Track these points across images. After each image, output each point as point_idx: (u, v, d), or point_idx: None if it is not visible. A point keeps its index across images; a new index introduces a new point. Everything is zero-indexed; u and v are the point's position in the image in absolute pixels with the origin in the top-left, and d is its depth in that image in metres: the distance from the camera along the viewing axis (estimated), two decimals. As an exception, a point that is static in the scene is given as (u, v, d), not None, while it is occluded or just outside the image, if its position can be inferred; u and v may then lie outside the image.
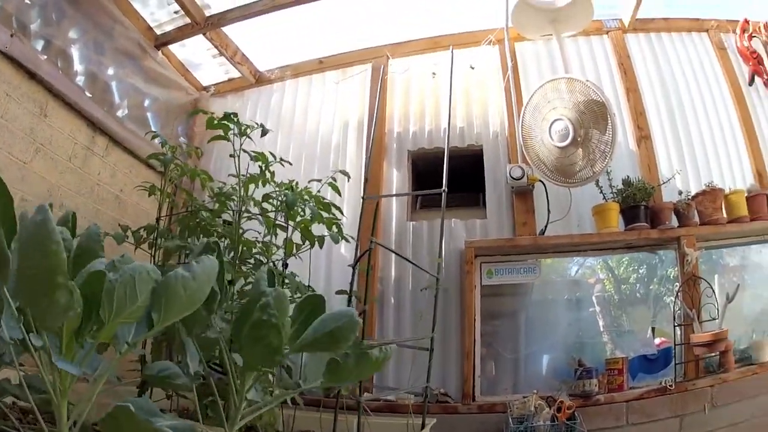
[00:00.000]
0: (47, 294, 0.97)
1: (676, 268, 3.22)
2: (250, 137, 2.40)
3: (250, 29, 3.89)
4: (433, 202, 3.52)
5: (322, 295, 1.45)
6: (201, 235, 2.62)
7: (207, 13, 3.73)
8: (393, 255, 3.42)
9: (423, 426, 2.49)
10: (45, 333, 1.06)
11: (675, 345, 2.97)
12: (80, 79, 3.31)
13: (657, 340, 3.20)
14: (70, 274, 1.01)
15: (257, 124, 2.40)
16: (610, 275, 3.75)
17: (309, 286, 2.66)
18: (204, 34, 3.79)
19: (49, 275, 0.96)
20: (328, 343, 1.32)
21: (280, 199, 2.47)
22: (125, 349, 1.17)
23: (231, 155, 2.38)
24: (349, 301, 2.64)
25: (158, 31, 3.92)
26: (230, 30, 3.91)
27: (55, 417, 1.08)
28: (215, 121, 2.36)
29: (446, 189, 2.77)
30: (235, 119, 2.33)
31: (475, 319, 3.19)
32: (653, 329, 3.31)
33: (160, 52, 3.94)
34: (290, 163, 2.70)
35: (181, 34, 3.84)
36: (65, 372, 1.05)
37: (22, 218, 1.02)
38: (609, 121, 3.01)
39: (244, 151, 2.37)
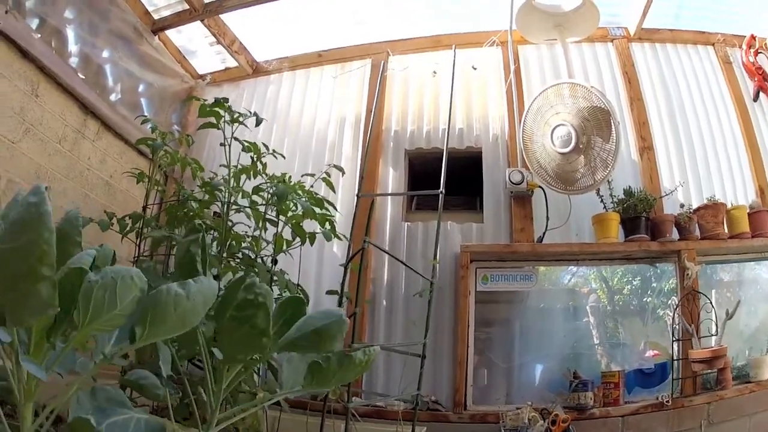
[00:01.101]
0: (29, 283, 0.89)
1: (671, 281, 3.18)
2: (245, 124, 2.30)
3: (249, 18, 3.81)
4: (429, 203, 3.45)
5: (301, 297, 1.36)
6: (187, 227, 2.53)
7: (206, 0, 3.64)
8: (386, 256, 3.33)
9: (413, 433, 2.40)
10: (15, 328, 0.96)
11: (673, 360, 2.92)
12: (74, 60, 3.22)
13: (650, 352, 3.17)
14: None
15: (249, 112, 2.30)
16: (604, 285, 3.69)
17: (298, 284, 2.57)
18: (202, 21, 3.70)
19: (35, 263, 0.88)
20: (314, 342, 1.25)
21: (270, 191, 2.37)
22: (100, 360, 1.08)
23: (221, 144, 2.28)
24: (340, 301, 2.56)
25: (156, 16, 3.82)
26: (229, 18, 3.82)
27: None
28: (207, 108, 2.26)
29: (443, 191, 2.69)
30: (227, 106, 2.23)
31: (468, 326, 3.10)
32: (646, 342, 3.27)
33: (156, 37, 3.85)
34: (283, 156, 2.61)
35: (178, 19, 3.75)
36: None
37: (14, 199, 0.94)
38: (613, 129, 2.95)
39: (236, 139, 2.27)
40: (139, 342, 1.03)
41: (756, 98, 3.74)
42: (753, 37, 3.81)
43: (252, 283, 1.12)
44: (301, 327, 1.26)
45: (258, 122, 2.31)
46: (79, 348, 1.09)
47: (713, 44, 3.94)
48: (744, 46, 3.82)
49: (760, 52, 3.80)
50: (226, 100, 2.25)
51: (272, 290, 2.46)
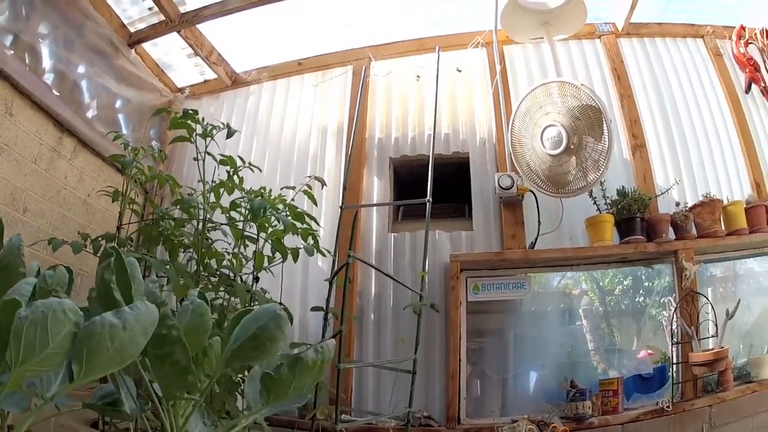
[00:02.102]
0: None
1: (664, 279, 3.13)
2: (215, 140, 2.20)
3: (226, 28, 3.72)
4: (416, 212, 3.34)
5: (249, 309, 1.24)
6: (164, 246, 2.44)
7: (182, 10, 3.57)
8: (373, 268, 3.23)
9: (405, 452, 2.31)
10: None
11: (672, 364, 2.83)
12: (48, 77, 3.15)
13: (643, 352, 3.13)
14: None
15: (223, 124, 2.20)
16: (594, 286, 3.61)
17: (280, 302, 2.46)
18: (179, 32, 3.62)
19: None
20: (253, 349, 1.13)
21: (247, 207, 2.28)
22: (41, 404, 0.99)
23: (195, 158, 2.19)
24: (325, 318, 2.47)
25: (132, 29, 3.74)
26: (206, 28, 3.73)
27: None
28: (179, 120, 2.16)
29: (431, 199, 2.59)
30: (198, 117, 2.13)
31: (460, 338, 3.00)
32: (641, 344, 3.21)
33: (133, 51, 3.77)
34: (260, 169, 2.52)
35: (154, 31, 3.66)
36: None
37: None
38: (605, 128, 2.86)
39: (209, 153, 2.17)
40: (78, 380, 0.94)
41: (748, 90, 3.68)
42: (743, 28, 3.76)
43: (164, 316, 1.00)
44: (238, 336, 1.15)
45: (230, 134, 2.21)
46: (16, 389, 0.99)
47: (703, 36, 3.87)
48: (734, 37, 3.77)
49: (751, 43, 3.75)
50: (196, 112, 2.15)
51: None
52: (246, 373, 1.57)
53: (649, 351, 3.12)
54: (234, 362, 1.15)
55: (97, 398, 1.24)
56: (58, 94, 3.16)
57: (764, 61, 3.66)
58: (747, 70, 3.68)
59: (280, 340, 1.13)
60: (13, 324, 0.87)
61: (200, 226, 2.25)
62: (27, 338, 0.87)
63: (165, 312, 1.01)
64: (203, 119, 2.19)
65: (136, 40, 3.73)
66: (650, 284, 3.38)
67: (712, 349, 2.74)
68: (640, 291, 3.49)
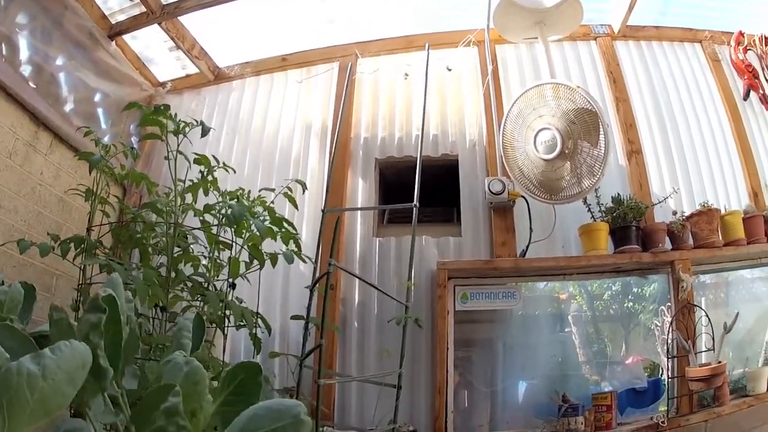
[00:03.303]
0: None
1: (653, 285, 3.11)
2: (188, 138, 2.06)
3: (209, 21, 3.58)
4: (402, 216, 3.24)
5: (255, 363, 1.05)
6: (134, 250, 2.30)
7: (164, 2, 3.43)
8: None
9: (389, 468, 2.18)
10: None
11: (668, 378, 2.77)
12: (25, 69, 3.01)
13: (631, 359, 3.09)
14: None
15: (196, 121, 2.06)
16: (582, 291, 3.53)
17: (257, 313, 2.33)
18: (160, 24, 3.48)
19: None
20: None
21: (223, 212, 2.14)
22: None
23: (166, 157, 2.05)
24: (306, 329, 2.33)
25: (113, 20, 3.60)
26: (188, 21, 3.59)
27: None
28: (149, 116, 2.03)
29: (417, 204, 2.47)
30: (169, 114, 1.99)
31: (447, 349, 2.88)
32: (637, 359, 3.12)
33: (113, 43, 3.63)
34: (234, 170, 2.38)
35: (136, 23, 3.52)
36: None
37: None
38: (601, 132, 2.75)
39: (181, 153, 2.03)
40: None
41: (746, 97, 3.62)
42: (741, 34, 3.71)
43: (174, 411, 0.83)
44: (245, 427, 0.92)
45: (204, 132, 2.07)
46: None
47: (701, 41, 3.81)
48: (732, 43, 3.71)
49: (749, 49, 3.70)
50: (168, 107, 2.01)
51: (228, 319, 2.25)
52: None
53: (638, 357, 3.08)
54: None
55: None
56: (35, 86, 3.03)
57: (763, 68, 3.62)
58: (745, 77, 3.63)
59: None
60: None
61: (172, 231, 2.10)
62: None
63: (174, 407, 0.83)
64: (175, 115, 2.05)
65: (116, 31, 3.59)
66: (640, 290, 3.33)
67: (709, 363, 2.66)
68: (629, 296, 3.43)
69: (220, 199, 2.23)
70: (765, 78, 3.59)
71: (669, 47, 3.81)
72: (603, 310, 3.54)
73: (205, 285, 2.19)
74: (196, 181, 2.33)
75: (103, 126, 3.62)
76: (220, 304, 2.09)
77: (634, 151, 3.36)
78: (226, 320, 2.17)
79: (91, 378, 0.90)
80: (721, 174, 3.42)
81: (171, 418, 0.84)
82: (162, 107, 1.97)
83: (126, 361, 1.07)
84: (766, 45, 3.67)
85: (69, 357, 0.80)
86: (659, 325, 2.92)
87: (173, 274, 2.12)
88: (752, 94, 3.60)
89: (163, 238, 2.26)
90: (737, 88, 3.64)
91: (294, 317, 2.45)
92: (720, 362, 2.63)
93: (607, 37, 3.76)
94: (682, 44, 3.82)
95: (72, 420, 1.16)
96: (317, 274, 2.57)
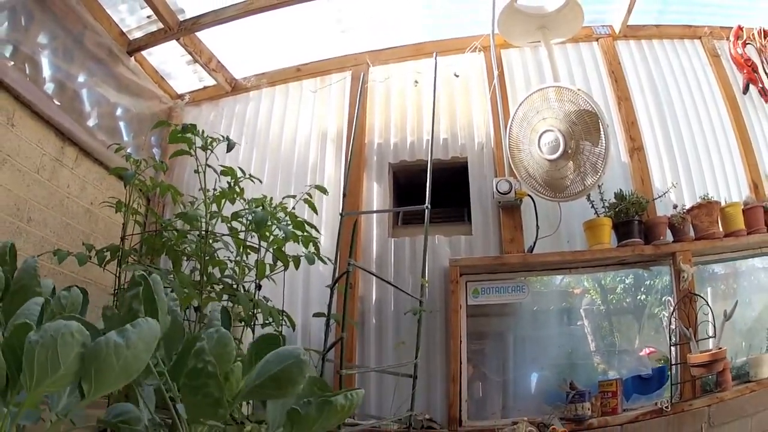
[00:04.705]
0: None
1: (665, 278, 3.15)
2: (215, 153, 2.23)
3: (225, 35, 3.73)
4: (415, 217, 3.38)
5: (275, 334, 1.29)
6: (168, 256, 2.48)
7: (181, 18, 3.57)
8: (374, 273, 3.26)
9: (407, 454, 2.34)
10: None
11: (671, 365, 2.87)
12: (49, 87, 3.16)
13: (645, 350, 3.14)
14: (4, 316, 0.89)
15: (222, 137, 2.23)
16: (596, 285, 3.63)
17: (282, 310, 2.50)
18: (177, 40, 3.63)
19: None
20: (273, 389, 1.18)
21: (249, 218, 2.31)
22: (56, 422, 1.03)
23: (196, 171, 2.22)
24: (327, 325, 2.50)
25: (131, 37, 3.75)
26: (205, 36, 3.75)
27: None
28: (178, 134, 2.20)
29: (429, 206, 2.62)
30: (198, 131, 2.16)
31: (461, 341, 3.03)
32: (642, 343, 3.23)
33: (132, 59, 3.77)
34: (260, 181, 2.56)
35: (154, 39, 3.67)
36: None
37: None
38: (602, 133, 2.88)
39: (209, 166, 2.20)
40: (89, 397, 0.99)
41: (746, 90, 3.69)
42: (740, 28, 3.76)
43: (201, 350, 1.05)
44: (260, 372, 1.20)
45: (230, 148, 2.24)
46: (32, 407, 1.03)
47: (700, 38, 3.88)
48: (731, 38, 3.77)
49: (749, 43, 3.76)
50: (194, 127, 2.18)
51: (256, 318, 2.42)
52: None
53: (651, 348, 3.14)
54: (254, 397, 1.21)
55: (111, 415, 1.29)
56: (59, 103, 3.17)
57: (762, 62, 3.68)
58: (745, 71, 3.69)
59: (300, 384, 1.18)
60: (25, 348, 0.91)
61: (203, 239, 2.27)
62: (39, 362, 0.91)
63: (201, 347, 1.06)
64: (203, 132, 2.22)
65: (135, 48, 3.74)
66: (652, 282, 3.40)
67: (710, 350, 2.76)
68: (642, 289, 3.50)
69: (246, 207, 2.39)
70: (764, 71, 3.66)
71: (669, 45, 3.90)
72: (616, 303, 3.63)
73: (234, 286, 2.36)
74: (219, 190, 2.49)
75: (126, 138, 3.78)
76: (250, 303, 2.26)
77: (636, 148, 3.47)
78: (254, 319, 2.33)
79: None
80: (722, 167, 3.51)
81: (199, 357, 1.08)
82: (190, 125, 2.13)
83: (170, 344, 1.27)
84: (765, 38, 3.73)
85: (146, 330, 1.01)
86: (666, 315, 3.01)
87: (205, 278, 2.29)
88: (751, 87, 3.66)
89: (193, 245, 2.44)
90: (737, 82, 3.72)
91: (316, 314, 2.61)
92: (720, 348, 2.73)
93: (609, 37, 3.85)
94: (682, 41, 3.90)
95: (122, 405, 1.36)
96: (336, 274, 2.72)
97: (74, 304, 1.32)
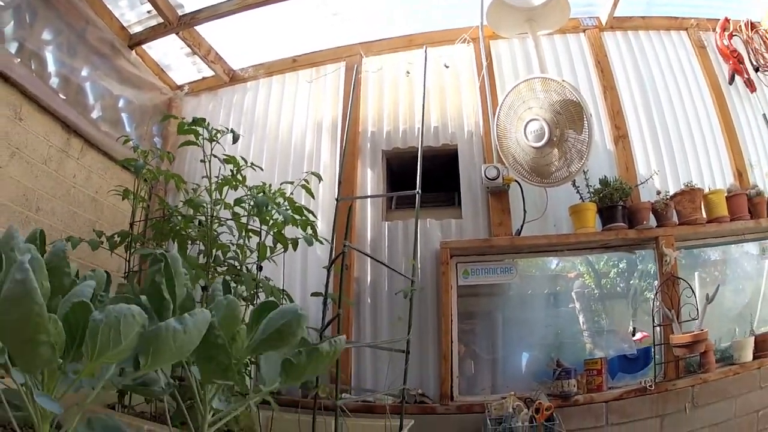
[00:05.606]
0: (30, 348, 1.00)
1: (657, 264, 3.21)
2: (220, 143, 2.36)
3: (223, 28, 3.82)
4: (408, 201, 3.49)
5: (273, 301, 1.45)
6: (174, 240, 2.60)
7: (180, 13, 3.67)
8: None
9: (401, 427, 2.48)
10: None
11: (654, 345, 2.98)
12: (54, 81, 3.25)
13: (638, 335, 3.21)
14: (45, 298, 1.02)
15: (227, 129, 2.36)
16: (590, 269, 3.74)
17: (283, 289, 2.64)
18: (177, 34, 3.74)
19: (33, 333, 0.98)
20: (277, 340, 1.37)
21: (251, 203, 2.44)
22: (99, 390, 1.16)
23: (201, 160, 2.35)
24: (325, 303, 2.62)
25: (131, 31, 3.85)
26: (203, 29, 3.85)
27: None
28: (185, 126, 2.32)
29: (420, 191, 2.74)
30: (205, 124, 2.29)
31: (452, 320, 3.17)
32: (634, 329, 3.31)
33: (133, 52, 3.87)
34: (261, 168, 2.67)
35: (154, 33, 3.78)
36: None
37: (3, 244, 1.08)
38: (585, 122, 2.99)
39: (215, 156, 2.33)
40: (143, 369, 1.15)
41: (731, 81, 3.77)
42: (727, 20, 3.84)
43: (212, 325, 1.23)
44: (265, 328, 1.38)
45: (235, 140, 2.38)
46: (89, 377, 1.18)
47: (686, 29, 3.97)
48: (718, 30, 3.85)
49: (735, 35, 3.84)
50: (203, 120, 2.31)
51: (258, 296, 2.55)
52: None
53: (645, 333, 3.22)
54: (260, 349, 1.39)
55: (130, 379, 1.42)
56: (64, 97, 3.27)
57: (748, 53, 3.78)
58: (731, 62, 3.77)
59: (299, 335, 1.37)
60: (89, 325, 1.05)
61: (209, 223, 2.40)
62: (102, 337, 1.05)
63: (213, 323, 1.23)
64: (208, 124, 2.35)
65: (136, 42, 3.84)
66: (646, 268, 3.48)
67: (693, 331, 2.86)
68: (635, 274, 3.60)
69: (248, 193, 2.52)
70: (750, 62, 3.76)
71: (656, 36, 3.99)
72: (610, 287, 3.74)
73: (238, 267, 2.49)
74: (222, 178, 2.61)
75: (128, 129, 3.88)
76: (252, 283, 2.39)
77: (620, 136, 3.57)
78: (257, 297, 2.47)
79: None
80: (707, 155, 3.61)
81: (211, 331, 1.24)
82: (199, 119, 2.27)
83: (183, 310, 1.42)
84: (751, 30, 3.81)
85: (200, 318, 1.20)
86: (652, 298, 3.11)
87: (210, 260, 2.43)
88: (737, 78, 3.75)
89: (198, 229, 2.57)
90: (722, 73, 3.80)
91: (314, 294, 2.74)
92: (702, 330, 2.83)
93: (596, 29, 3.94)
94: (668, 33, 3.99)
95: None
96: (332, 256, 2.85)
97: (100, 285, 1.45)
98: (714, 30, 3.89)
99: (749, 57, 3.78)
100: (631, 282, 3.63)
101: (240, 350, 1.37)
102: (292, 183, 2.72)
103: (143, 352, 1.11)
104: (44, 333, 0.98)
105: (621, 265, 3.71)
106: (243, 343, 1.37)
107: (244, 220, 2.53)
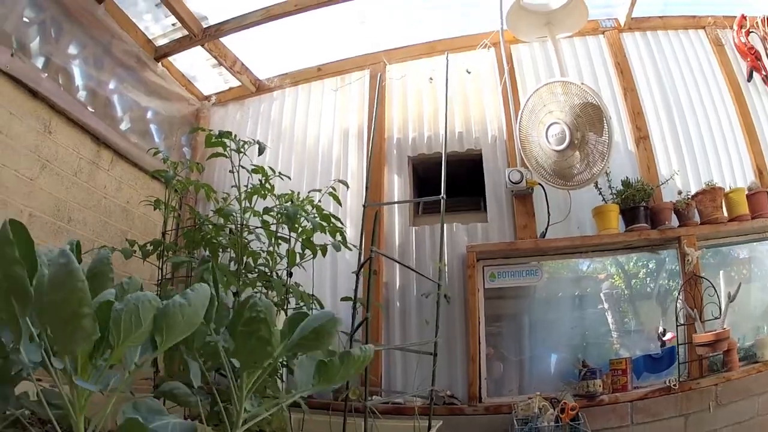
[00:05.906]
0: (75, 321, 1.09)
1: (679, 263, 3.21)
2: (246, 155, 2.44)
3: (248, 39, 3.91)
4: (434, 206, 3.47)
5: (305, 311, 1.52)
6: (205, 248, 2.68)
7: (204, 25, 3.75)
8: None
9: (429, 428, 2.52)
10: (64, 357, 1.16)
11: (678, 344, 2.99)
12: (82, 95, 3.34)
13: (669, 335, 3.20)
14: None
15: (253, 140, 2.44)
16: (620, 270, 3.74)
17: (312, 294, 2.70)
18: (202, 45, 3.82)
19: (77, 306, 1.08)
20: (313, 341, 1.44)
21: (280, 212, 2.51)
22: (133, 369, 1.26)
23: (230, 171, 2.42)
24: (354, 308, 2.68)
25: (157, 44, 3.93)
26: (228, 40, 3.94)
27: (72, 429, 1.17)
28: (213, 138, 2.41)
29: (445, 196, 2.80)
30: (232, 136, 2.37)
31: (479, 322, 3.22)
32: (664, 330, 3.29)
33: (160, 64, 3.96)
34: (289, 178, 2.76)
35: (179, 45, 3.86)
36: (81, 389, 1.15)
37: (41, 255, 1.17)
38: (605, 124, 3.01)
39: (242, 167, 2.41)
40: (160, 348, 1.25)
41: (750, 78, 3.75)
42: (744, 17, 3.83)
43: (254, 303, 1.33)
44: (302, 330, 1.45)
45: (260, 151, 2.46)
46: (115, 363, 1.27)
47: (704, 27, 3.95)
48: (735, 27, 3.84)
49: (752, 32, 3.81)
50: (229, 134, 2.39)
51: (288, 302, 2.62)
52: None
53: (674, 334, 3.19)
54: (297, 350, 1.47)
55: (166, 389, 1.56)
56: (93, 110, 3.35)
57: (766, 50, 3.73)
58: (748, 59, 3.75)
59: (333, 336, 1.45)
60: (112, 315, 1.15)
61: (239, 232, 2.48)
62: (125, 323, 1.16)
63: (254, 302, 1.34)
64: (236, 136, 2.43)
65: (161, 54, 3.93)
66: (672, 267, 3.47)
67: (715, 330, 2.86)
68: (663, 274, 3.60)
69: (277, 201, 2.59)
70: (768, 59, 3.73)
71: (674, 35, 3.98)
72: (640, 287, 3.73)
73: (268, 273, 2.56)
74: (251, 187, 2.69)
75: (157, 140, 3.98)
76: (283, 289, 2.46)
77: (642, 137, 3.59)
78: (287, 302, 2.54)
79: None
80: (727, 154, 3.60)
81: (253, 308, 1.35)
82: (226, 132, 2.35)
83: (219, 322, 1.51)
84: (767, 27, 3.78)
85: (201, 292, 1.30)
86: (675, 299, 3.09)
87: (241, 267, 2.50)
88: (755, 75, 3.72)
89: (228, 237, 2.64)
90: (741, 70, 3.78)
91: (344, 299, 2.80)
92: (724, 328, 2.83)
93: (614, 30, 3.95)
94: (686, 31, 3.98)
95: (170, 382, 1.60)
96: (360, 261, 2.91)
97: (135, 289, 1.53)
98: (731, 27, 3.87)
99: (767, 53, 3.74)
100: (660, 282, 3.63)
101: (274, 350, 1.44)
102: (319, 191, 2.78)
103: (158, 331, 1.21)
104: (87, 306, 1.08)
105: (650, 266, 3.71)
106: (277, 344, 1.44)
107: (273, 228, 2.60)
